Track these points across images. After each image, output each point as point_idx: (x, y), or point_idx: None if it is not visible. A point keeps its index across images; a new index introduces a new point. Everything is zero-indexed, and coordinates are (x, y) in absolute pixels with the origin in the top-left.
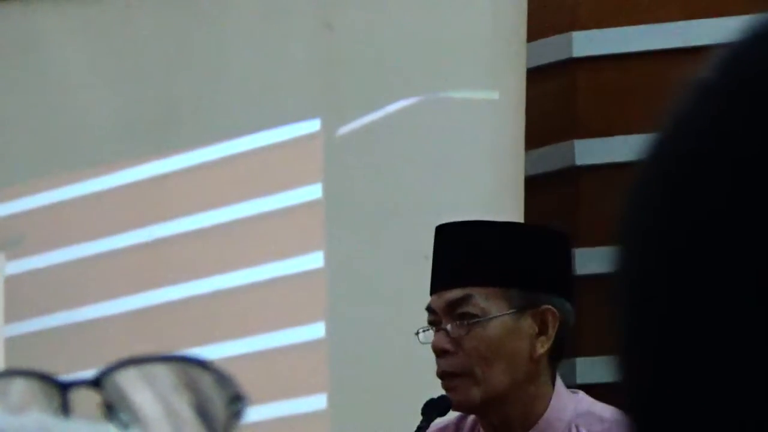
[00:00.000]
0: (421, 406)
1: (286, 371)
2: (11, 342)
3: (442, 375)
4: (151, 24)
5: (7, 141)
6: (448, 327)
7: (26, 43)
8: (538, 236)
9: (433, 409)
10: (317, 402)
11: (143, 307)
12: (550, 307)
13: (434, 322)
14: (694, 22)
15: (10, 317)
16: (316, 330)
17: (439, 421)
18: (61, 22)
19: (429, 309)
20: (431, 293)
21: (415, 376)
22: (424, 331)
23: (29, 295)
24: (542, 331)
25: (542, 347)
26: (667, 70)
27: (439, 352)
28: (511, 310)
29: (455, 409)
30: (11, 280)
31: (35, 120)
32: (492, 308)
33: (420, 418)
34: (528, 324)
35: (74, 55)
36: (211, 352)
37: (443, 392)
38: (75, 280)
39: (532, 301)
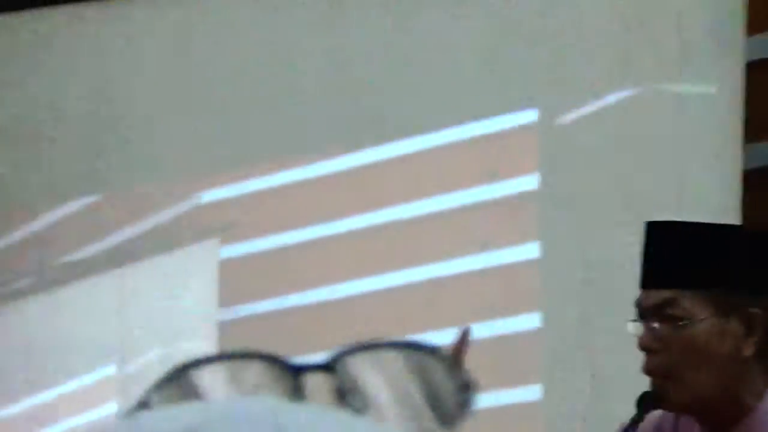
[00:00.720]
0: (635, 398)
1: (501, 361)
2: (225, 327)
3: (648, 372)
4: (362, 13)
5: (224, 128)
6: (656, 326)
7: (259, 33)
8: (747, 238)
9: (649, 401)
10: (531, 393)
11: (356, 293)
12: (756, 310)
13: (642, 316)
14: None
15: (224, 302)
16: (531, 320)
17: (656, 414)
18: (291, 19)
19: (638, 304)
20: (641, 288)
21: (629, 368)
22: (632, 323)
23: (243, 279)
24: (749, 332)
25: (749, 349)
26: None
27: (647, 350)
28: (717, 313)
29: (665, 410)
30: (226, 265)
31: (253, 107)
32: (697, 311)
33: (633, 410)
34: (734, 326)
35: (305, 48)
36: (426, 340)
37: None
38: (289, 265)
39: (739, 303)
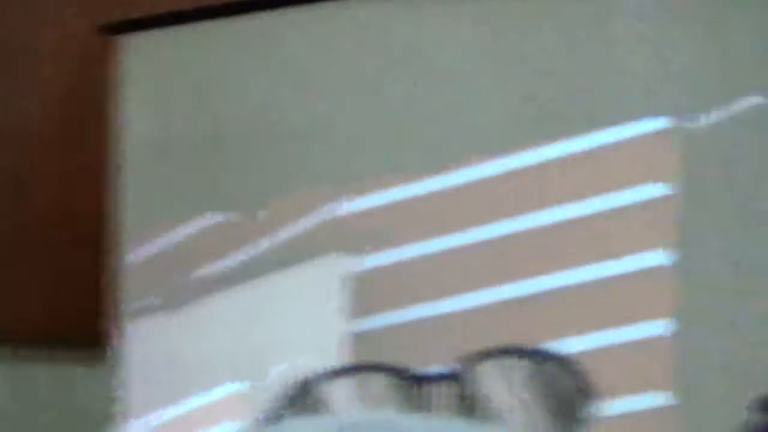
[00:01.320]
0: None
1: (629, 367)
2: (356, 338)
3: None
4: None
5: (361, 139)
6: None
7: (416, 41)
8: None
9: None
10: (662, 399)
11: (487, 302)
12: None
13: None
14: None
15: (355, 314)
16: (660, 327)
17: None
18: (451, 22)
19: None
20: None
21: (760, 375)
22: None
23: (375, 291)
24: None
25: None
26: None
27: None
28: None
29: None
30: (357, 277)
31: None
32: None
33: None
34: None
35: (469, 52)
36: (555, 347)
37: None
38: (421, 275)
39: None
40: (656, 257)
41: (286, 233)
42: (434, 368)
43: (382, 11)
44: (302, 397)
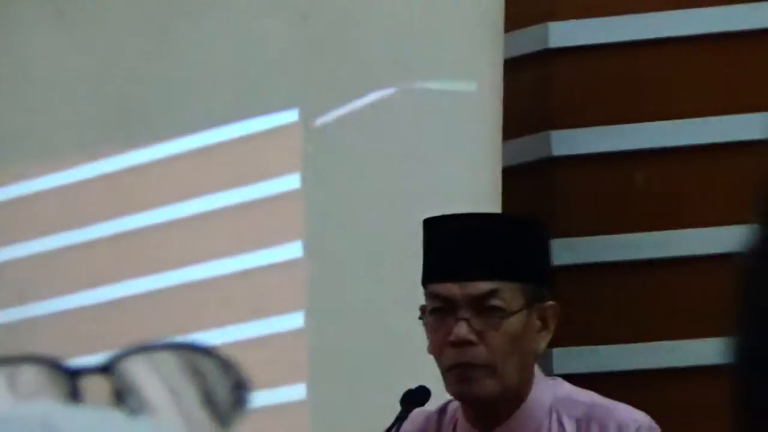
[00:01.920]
0: (399, 395)
1: (265, 361)
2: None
3: (459, 366)
4: (126, 13)
5: None
6: (471, 319)
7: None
8: (531, 226)
9: (412, 399)
10: (297, 392)
11: (120, 297)
12: (553, 302)
13: (444, 309)
14: (672, 13)
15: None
16: (295, 320)
17: (419, 411)
18: (34, 12)
19: (440, 296)
20: (442, 280)
21: (393, 366)
22: (434, 314)
23: (6, 284)
24: (544, 326)
25: (543, 342)
26: (643, 61)
27: (463, 343)
28: (526, 306)
29: (470, 400)
30: None
31: (6, 111)
32: (512, 303)
33: (398, 408)
34: (533, 319)
35: (47, 44)
36: (198, 339)
37: (420, 382)
38: (62, 267)
39: (539, 296)
40: (287, 250)
41: None
42: (85, 360)
43: None
44: None
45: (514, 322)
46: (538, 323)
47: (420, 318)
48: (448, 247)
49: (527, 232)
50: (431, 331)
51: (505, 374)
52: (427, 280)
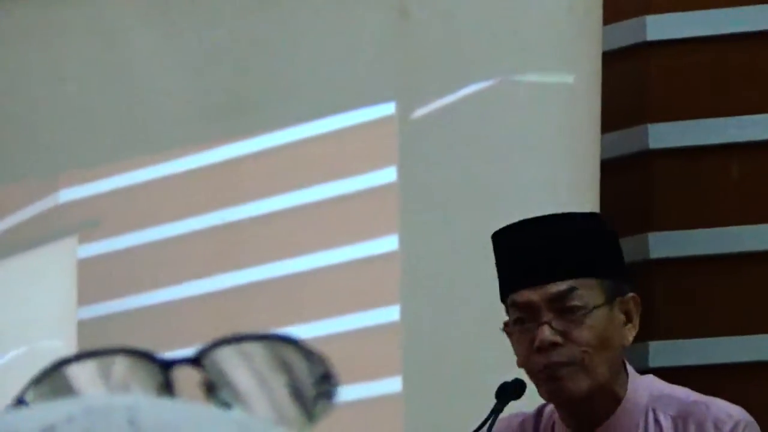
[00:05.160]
0: (494, 389)
1: (361, 354)
2: (84, 325)
3: (550, 366)
4: (224, 9)
5: (83, 126)
6: (553, 321)
7: (104, 31)
8: (606, 224)
9: (507, 392)
10: (392, 385)
11: (215, 290)
12: (634, 295)
13: (526, 318)
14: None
15: (83, 300)
16: (391, 313)
17: (516, 412)
18: (135, 11)
19: (519, 305)
20: (518, 289)
21: (489, 359)
22: (517, 325)
23: (102, 278)
24: (628, 319)
25: (630, 336)
26: (740, 54)
27: (549, 346)
28: (606, 301)
29: (563, 399)
30: (84, 264)
31: (110, 105)
32: (591, 299)
33: (493, 401)
34: (616, 313)
35: (149, 42)
36: (291, 332)
37: (516, 375)
38: (149, 263)
39: (620, 290)
40: (383, 244)
41: (14, 219)
42: (176, 353)
43: (83, 20)
44: (48, 380)
45: (597, 318)
46: (621, 317)
47: (504, 331)
48: (517, 256)
49: (595, 229)
50: (516, 342)
51: (596, 369)
52: (504, 293)
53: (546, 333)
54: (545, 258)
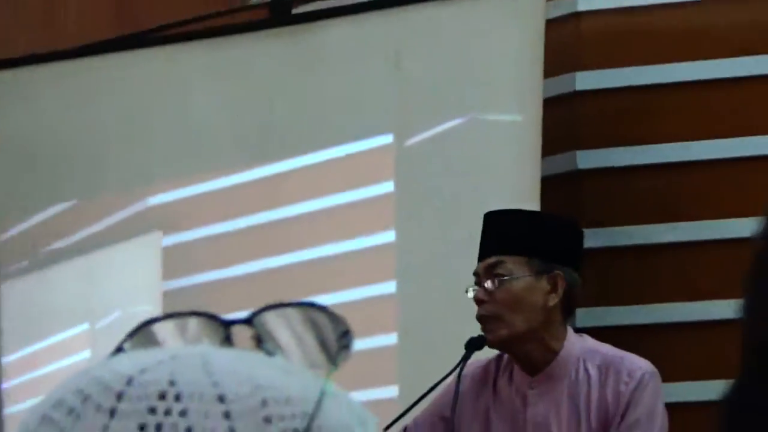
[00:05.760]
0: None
1: (364, 316)
2: (167, 294)
3: (479, 319)
4: (258, 64)
5: (163, 150)
6: (486, 284)
7: (175, 80)
8: (557, 223)
9: (473, 344)
10: (389, 339)
11: (261, 270)
12: (560, 272)
13: (478, 282)
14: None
15: (166, 276)
16: (389, 287)
17: (480, 359)
18: (196, 65)
19: (475, 273)
20: (478, 261)
21: (464, 322)
22: (471, 288)
23: (180, 260)
24: (553, 290)
25: (552, 301)
26: (652, 99)
27: (478, 302)
28: (531, 273)
29: (488, 345)
30: (167, 250)
31: (181, 135)
32: (517, 271)
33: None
34: (543, 284)
35: (206, 88)
36: (317, 300)
37: (481, 333)
38: (212, 250)
39: (547, 268)
40: (382, 237)
41: (115, 217)
42: (233, 315)
43: (162, 62)
44: (140, 335)
45: (518, 284)
46: (547, 287)
47: None
48: (482, 237)
49: (534, 222)
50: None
51: (511, 322)
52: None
53: (477, 292)
54: (491, 238)
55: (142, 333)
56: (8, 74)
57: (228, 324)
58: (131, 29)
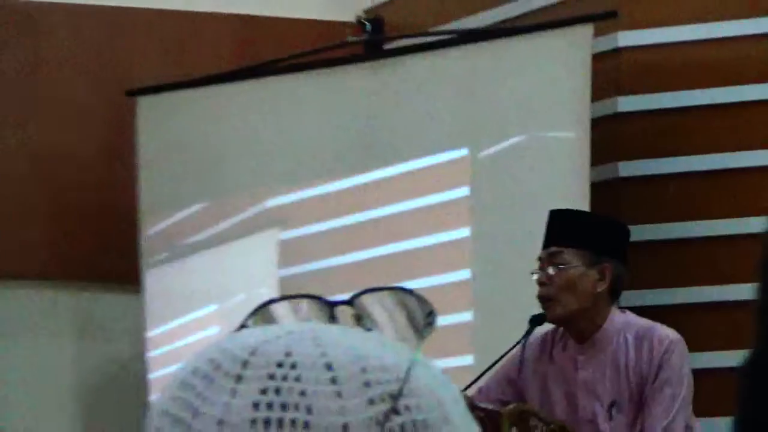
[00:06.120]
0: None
1: (442, 297)
2: (283, 280)
3: (540, 299)
4: (356, 83)
5: (279, 160)
6: (549, 270)
7: (288, 101)
8: (608, 222)
9: (535, 320)
10: (465, 317)
11: (358, 260)
12: (608, 264)
13: (541, 267)
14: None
15: (282, 264)
16: (464, 274)
17: (540, 331)
18: (301, 88)
19: (539, 258)
20: (542, 249)
21: (528, 302)
22: (535, 272)
23: (294, 252)
24: (602, 278)
25: (600, 287)
26: (680, 121)
27: (540, 284)
28: (584, 264)
29: (547, 321)
30: (282, 243)
31: (294, 148)
32: (573, 261)
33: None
34: (593, 273)
35: (314, 107)
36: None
37: (541, 311)
38: (323, 244)
39: (598, 260)
40: (459, 233)
41: (240, 217)
42: (337, 297)
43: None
44: (259, 314)
45: (572, 272)
46: (596, 276)
47: None
48: (546, 230)
49: (589, 220)
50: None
51: (566, 303)
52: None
53: (540, 276)
54: (554, 231)
55: (261, 312)
56: (153, 99)
57: (333, 305)
58: (253, 61)
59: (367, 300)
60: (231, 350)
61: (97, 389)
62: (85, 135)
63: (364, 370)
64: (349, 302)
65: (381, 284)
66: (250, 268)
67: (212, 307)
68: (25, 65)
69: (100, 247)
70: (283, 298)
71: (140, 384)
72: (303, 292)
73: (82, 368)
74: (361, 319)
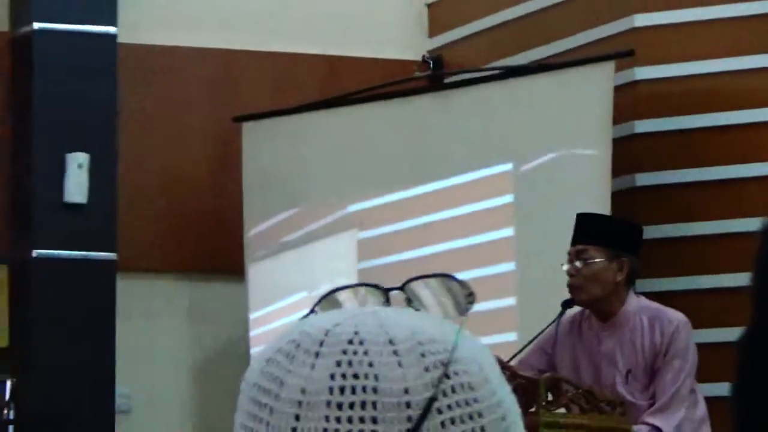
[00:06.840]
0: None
1: (485, 283)
2: (361, 271)
3: (569, 286)
4: (421, 110)
5: (350, 173)
6: (577, 263)
7: (361, 126)
8: (626, 224)
9: (566, 303)
10: (510, 302)
11: (417, 256)
12: (626, 259)
13: (570, 261)
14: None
15: (361, 258)
16: (510, 266)
17: (570, 313)
18: (376, 115)
19: (568, 253)
20: (571, 245)
21: (560, 289)
22: (564, 264)
23: (370, 248)
24: (620, 270)
25: (619, 277)
26: (686, 140)
27: (569, 275)
28: (606, 259)
29: (576, 304)
30: (361, 242)
31: (360, 163)
32: (596, 256)
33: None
34: (614, 266)
35: (385, 132)
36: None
37: (571, 297)
38: (397, 240)
39: (617, 255)
40: (505, 232)
41: (326, 219)
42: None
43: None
44: (327, 300)
45: (596, 265)
46: (616, 268)
47: None
48: (574, 230)
49: (610, 222)
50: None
51: (590, 291)
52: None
53: (569, 268)
54: (580, 232)
55: (328, 299)
56: (256, 124)
57: (387, 290)
58: (337, 93)
59: (416, 285)
60: (308, 332)
61: (208, 364)
62: (201, 154)
63: (419, 343)
64: (401, 288)
65: (430, 272)
66: (334, 262)
67: (303, 294)
68: (159, 100)
69: (211, 245)
70: (346, 287)
71: (245, 359)
72: (377, 282)
73: (196, 347)
74: (411, 302)
